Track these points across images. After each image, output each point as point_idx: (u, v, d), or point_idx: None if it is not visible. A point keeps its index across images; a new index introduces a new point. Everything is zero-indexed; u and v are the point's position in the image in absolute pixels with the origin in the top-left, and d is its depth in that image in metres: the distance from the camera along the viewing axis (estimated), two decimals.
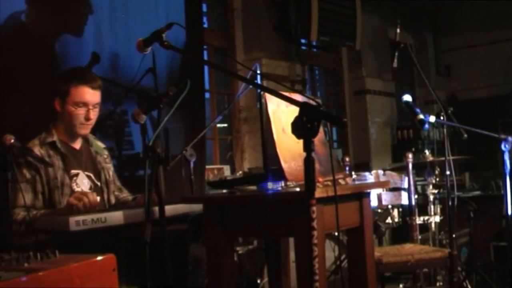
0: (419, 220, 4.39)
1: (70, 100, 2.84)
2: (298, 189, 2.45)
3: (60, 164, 2.85)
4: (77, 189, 2.85)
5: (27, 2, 3.52)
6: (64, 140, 2.92)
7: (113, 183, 3.12)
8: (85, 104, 2.86)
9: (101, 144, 3.16)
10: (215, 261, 2.58)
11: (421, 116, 3.20)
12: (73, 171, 2.89)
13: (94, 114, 2.90)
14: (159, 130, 2.36)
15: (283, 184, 2.51)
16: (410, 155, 4.27)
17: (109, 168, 3.12)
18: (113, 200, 3.07)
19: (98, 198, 2.79)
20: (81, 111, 2.86)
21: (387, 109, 7.48)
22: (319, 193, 2.27)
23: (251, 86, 3.15)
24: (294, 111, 1.82)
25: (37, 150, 2.80)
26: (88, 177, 2.96)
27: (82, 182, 2.91)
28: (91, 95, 2.87)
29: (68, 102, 2.85)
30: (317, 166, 2.44)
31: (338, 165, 3.51)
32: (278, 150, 2.54)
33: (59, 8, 3.67)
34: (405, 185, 4.20)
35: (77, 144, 2.99)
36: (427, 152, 4.73)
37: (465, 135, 3.77)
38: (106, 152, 3.15)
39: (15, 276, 1.44)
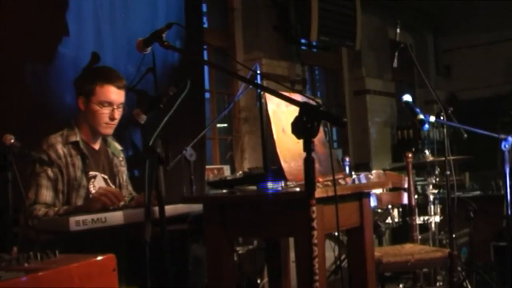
0: (419, 220, 4.40)
1: (95, 99, 2.82)
2: (298, 189, 2.45)
3: (80, 164, 2.81)
4: (93, 191, 2.82)
5: None
6: (86, 140, 2.89)
7: (126, 188, 3.08)
8: (110, 104, 2.83)
9: (118, 146, 3.10)
10: (215, 261, 2.58)
11: (421, 116, 3.20)
12: (91, 173, 2.87)
13: (118, 114, 2.87)
14: (159, 130, 2.35)
15: (283, 184, 2.51)
16: (410, 155, 4.27)
17: (124, 172, 3.08)
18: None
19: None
20: (106, 111, 2.83)
21: (387, 109, 7.48)
22: (319, 193, 2.27)
23: (251, 86, 3.14)
24: (294, 111, 1.81)
25: (60, 148, 2.77)
26: (104, 179, 2.93)
27: (99, 185, 2.87)
28: (116, 94, 2.85)
29: (92, 101, 2.82)
30: (317, 166, 2.44)
31: (338, 165, 3.51)
32: (278, 150, 2.54)
33: (26, 32, 3.53)
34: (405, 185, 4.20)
35: (97, 145, 2.95)
36: (427, 152, 4.73)
37: (465, 135, 3.77)
38: (122, 155, 3.10)
39: (15, 276, 1.45)
